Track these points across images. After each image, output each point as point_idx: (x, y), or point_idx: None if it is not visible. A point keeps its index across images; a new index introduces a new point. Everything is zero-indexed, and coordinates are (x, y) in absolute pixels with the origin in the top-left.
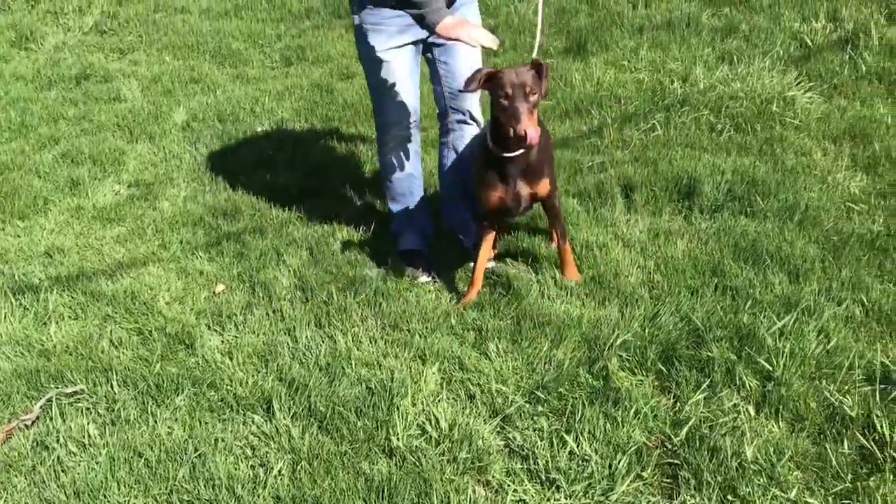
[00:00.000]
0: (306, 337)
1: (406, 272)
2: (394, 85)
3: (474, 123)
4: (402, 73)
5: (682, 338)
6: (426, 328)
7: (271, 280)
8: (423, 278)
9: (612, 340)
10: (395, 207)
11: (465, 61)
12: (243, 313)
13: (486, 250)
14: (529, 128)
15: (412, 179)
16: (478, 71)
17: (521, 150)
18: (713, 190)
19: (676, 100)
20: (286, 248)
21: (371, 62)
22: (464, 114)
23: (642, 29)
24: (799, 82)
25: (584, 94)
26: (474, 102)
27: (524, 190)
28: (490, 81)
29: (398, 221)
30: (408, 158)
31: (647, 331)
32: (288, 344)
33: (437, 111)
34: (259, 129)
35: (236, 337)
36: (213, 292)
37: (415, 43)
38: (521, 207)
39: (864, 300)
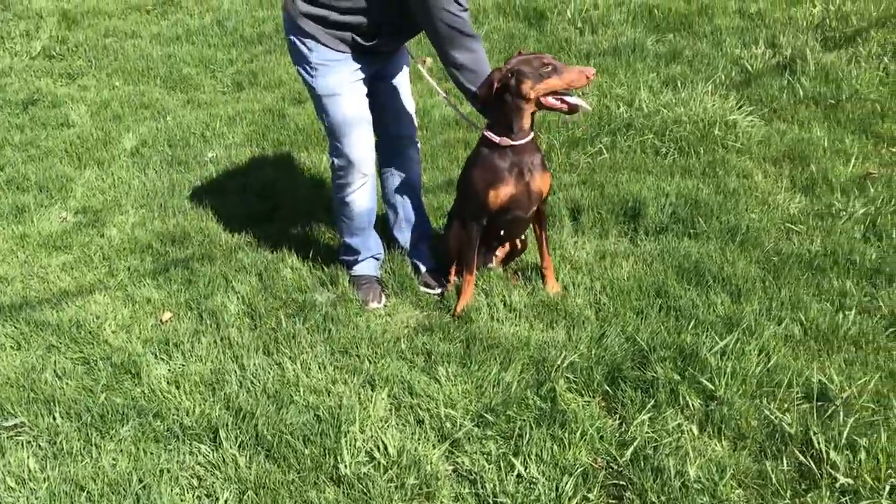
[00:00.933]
0: (254, 364)
1: (359, 298)
2: (358, 120)
3: (416, 144)
4: (364, 106)
5: (628, 358)
6: (376, 353)
7: (219, 307)
8: (375, 304)
9: (559, 362)
10: (352, 241)
11: (404, 87)
12: (191, 341)
13: (473, 254)
14: (587, 67)
15: (371, 213)
16: (495, 73)
17: (531, 137)
18: (658, 212)
19: (622, 124)
20: (235, 274)
21: (333, 101)
22: (408, 137)
23: (589, 55)
24: (740, 106)
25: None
26: (415, 125)
27: (534, 183)
28: (511, 77)
29: (352, 251)
30: (370, 194)
31: (593, 352)
32: (235, 372)
33: (379, 137)
34: (210, 155)
35: (183, 365)
36: (161, 320)
37: (369, 76)
38: (531, 203)
39: (803, 319)
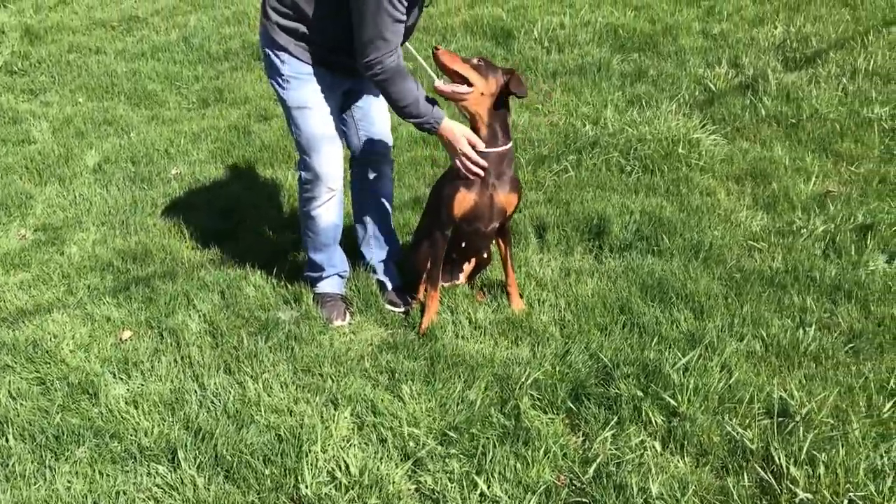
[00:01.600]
0: (215, 384)
1: (323, 315)
2: (328, 135)
3: (389, 163)
4: (335, 122)
5: (592, 375)
6: (339, 371)
7: (180, 325)
8: (339, 322)
9: (523, 379)
10: (317, 257)
11: (379, 102)
12: (150, 360)
13: (438, 270)
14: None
15: (337, 229)
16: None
17: (503, 147)
18: (622, 230)
19: (588, 142)
20: (197, 292)
21: (304, 114)
22: (382, 155)
23: (556, 73)
24: (703, 125)
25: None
26: (389, 144)
27: (498, 196)
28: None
29: (317, 267)
30: (336, 210)
31: (557, 369)
32: (195, 391)
33: (353, 155)
34: (173, 172)
35: (142, 385)
36: (120, 339)
37: (343, 91)
38: (493, 217)
39: (764, 335)
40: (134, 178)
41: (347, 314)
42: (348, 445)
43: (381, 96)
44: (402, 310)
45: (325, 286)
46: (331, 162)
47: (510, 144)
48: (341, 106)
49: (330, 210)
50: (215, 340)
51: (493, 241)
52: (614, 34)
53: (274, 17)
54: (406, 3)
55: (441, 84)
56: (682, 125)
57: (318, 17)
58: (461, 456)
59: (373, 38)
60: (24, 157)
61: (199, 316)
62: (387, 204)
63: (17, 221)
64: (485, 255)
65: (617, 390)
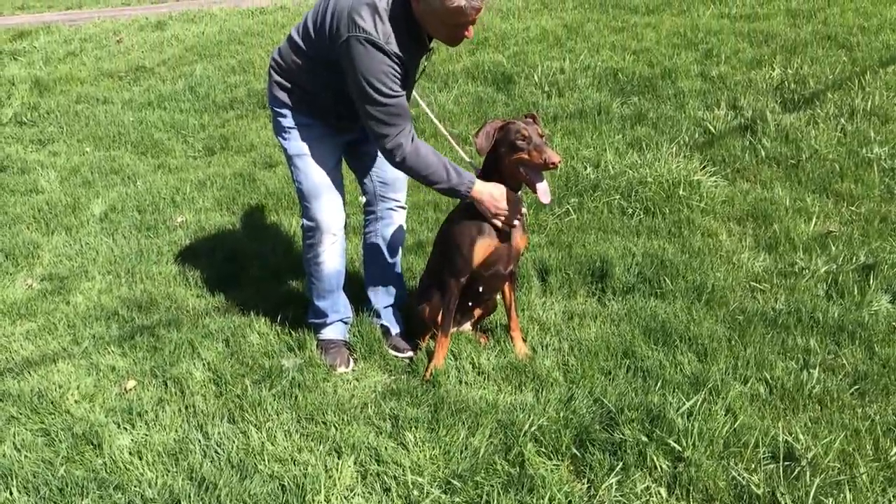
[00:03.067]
0: (219, 433)
1: (326, 362)
2: (327, 183)
3: (402, 210)
4: (336, 169)
5: (596, 421)
6: (342, 419)
7: (185, 374)
8: (343, 369)
9: (527, 426)
10: (321, 303)
11: None
12: (154, 410)
13: (451, 316)
14: (556, 155)
15: (340, 275)
16: (485, 125)
17: (517, 196)
18: (624, 272)
19: (589, 185)
20: (202, 340)
21: (305, 161)
22: (394, 202)
23: (556, 117)
24: (704, 167)
25: None
26: (403, 191)
27: (514, 239)
28: (501, 131)
29: (321, 313)
30: (339, 256)
31: (561, 415)
32: (199, 441)
33: (364, 201)
34: (179, 220)
35: (146, 435)
36: (124, 389)
37: (345, 140)
38: (510, 259)
39: (768, 378)
40: (140, 227)
41: (351, 361)
42: (352, 495)
43: None
44: (406, 355)
45: (328, 332)
46: (332, 209)
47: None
48: (349, 154)
49: (333, 256)
50: (219, 389)
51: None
52: (614, 78)
53: (275, 76)
54: (398, 78)
55: (544, 195)
56: (682, 167)
57: (313, 86)
58: None
59: (381, 129)
60: (32, 207)
61: (204, 364)
62: (396, 251)
63: (24, 271)
64: (488, 301)
65: (621, 435)
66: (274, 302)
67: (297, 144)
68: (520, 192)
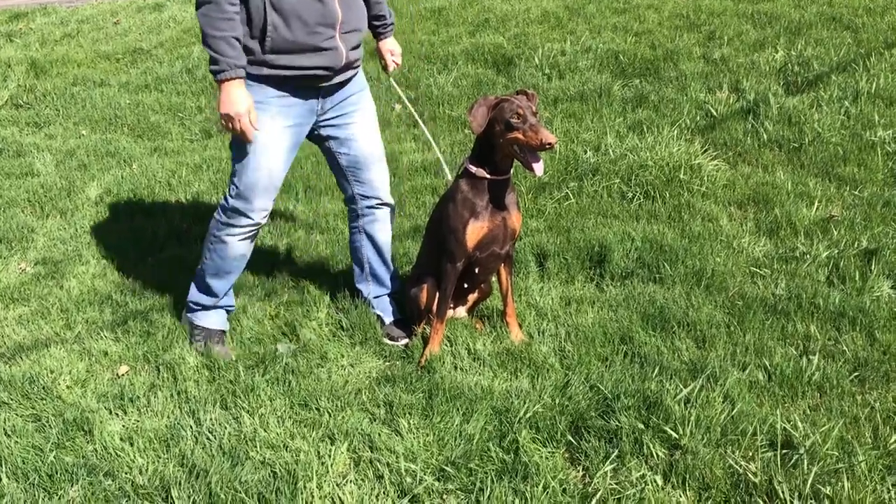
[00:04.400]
0: (211, 419)
1: (204, 349)
2: (269, 169)
3: (385, 207)
4: (280, 156)
5: (592, 407)
6: (336, 406)
7: (178, 360)
8: (225, 352)
9: (522, 412)
10: (213, 282)
11: (367, 146)
12: (146, 396)
13: (447, 302)
14: (552, 136)
15: (243, 261)
16: (479, 103)
17: (508, 175)
18: (623, 257)
19: (589, 169)
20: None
21: (247, 143)
22: (375, 199)
23: (557, 100)
24: (705, 150)
25: None
26: (384, 188)
27: (510, 219)
28: (495, 109)
29: (211, 293)
30: (251, 242)
31: (557, 401)
32: (191, 427)
33: (344, 197)
34: (174, 203)
35: (138, 421)
36: (117, 374)
37: (297, 126)
38: (506, 239)
39: (767, 364)
40: (135, 210)
41: (232, 354)
42: (345, 482)
43: (369, 137)
44: (401, 343)
45: (210, 320)
46: (267, 196)
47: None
48: (325, 152)
49: (246, 242)
50: (212, 374)
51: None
52: (615, 60)
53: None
54: None
55: (538, 169)
56: (683, 151)
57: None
58: (459, 492)
59: None
60: (27, 191)
61: (197, 350)
62: (384, 248)
63: (18, 255)
64: (483, 286)
65: (618, 423)
66: (268, 287)
67: None
68: (511, 172)
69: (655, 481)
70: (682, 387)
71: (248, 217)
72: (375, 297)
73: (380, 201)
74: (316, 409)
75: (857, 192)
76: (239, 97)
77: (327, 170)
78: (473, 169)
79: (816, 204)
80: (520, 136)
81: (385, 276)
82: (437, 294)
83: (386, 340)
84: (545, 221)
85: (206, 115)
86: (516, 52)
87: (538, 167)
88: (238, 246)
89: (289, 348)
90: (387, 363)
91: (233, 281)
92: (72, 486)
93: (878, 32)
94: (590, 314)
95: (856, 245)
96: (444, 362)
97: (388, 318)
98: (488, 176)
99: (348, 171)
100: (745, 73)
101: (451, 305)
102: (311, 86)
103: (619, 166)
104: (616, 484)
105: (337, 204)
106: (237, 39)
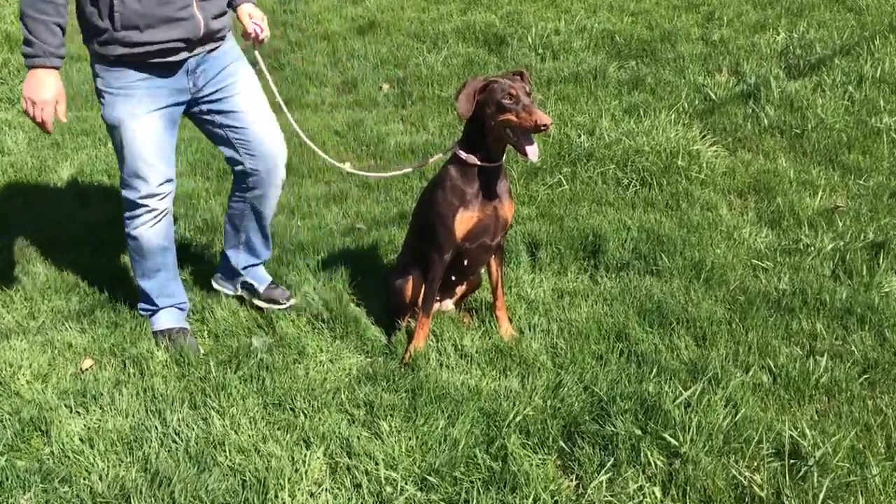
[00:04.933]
0: (178, 419)
1: (171, 347)
2: (150, 154)
3: (279, 181)
4: (154, 140)
5: (586, 411)
6: (313, 406)
7: (145, 354)
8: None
9: (511, 415)
10: (146, 285)
11: (255, 116)
12: (110, 393)
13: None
14: (546, 117)
15: (167, 253)
16: (466, 86)
17: (500, 161)
18: (618, 248)
19: (583, 154)
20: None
21: (122, 131)
22: (267, 173)
23: (550, 81)
24: (704, 136)
25: None
26: (278, 159)
27: (501, 208)
28: (483, 92)
29: (149, 298)
30: (164, 231)
31: (548, 403)
32: (157, 427)
33: (235, 170)
34: None
35: (100, 420)
36: (80, 368)
37: (173, 106)
38: (498, 230)
39: (772, 365)
40: (108, 193)
41: (199, 347)
42: (320, 491)
43: (259, 109)
44: (288, 305)
45: (163, 321)
46: (157, 180)
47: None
48: (206, 130)
49: (156, 231)
50: (181, 370)
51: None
52: (611, 41)
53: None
54: None
55: (532, 155)
56: (681, 136)
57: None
58: (442, 503)
59: None
60: None
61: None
62: (265, 219)
63: None
64: (472, 278)
65: (613, 428)
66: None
67: (112, 111)
68: (503, 159)
69: (654, 493)
70: (681, 389)
71: (143, 205)
72: (245, 268)
73: (273, 176)
74: (291, 409)
75: (862, 182)
76: (48, 84)
77: (311, 153)
78: (463, 155)
79: (820, 193)
80: (512, 117)
81: (261, 247)
82: (423, 286)
83: (268, 306)
84: (537, 208)
85: None
86: (509, 31)
87: (532, 151)
88: (149, 236)
89: (264, 342)
90: (368, 359)
91: (165, 280)
92: (23, 493)
93: (882, 14)
94: (583, 308)
95: (862, 237)
96: (429, 359)
97: (264, 284)
98: (479, 163)
99: (238, 145)
100: (745, 56)
101: (438, 298)
102: (174, 62)
103: (615, 151)
104: (611, 496)
105: (319, 187)
106: (60, 28)
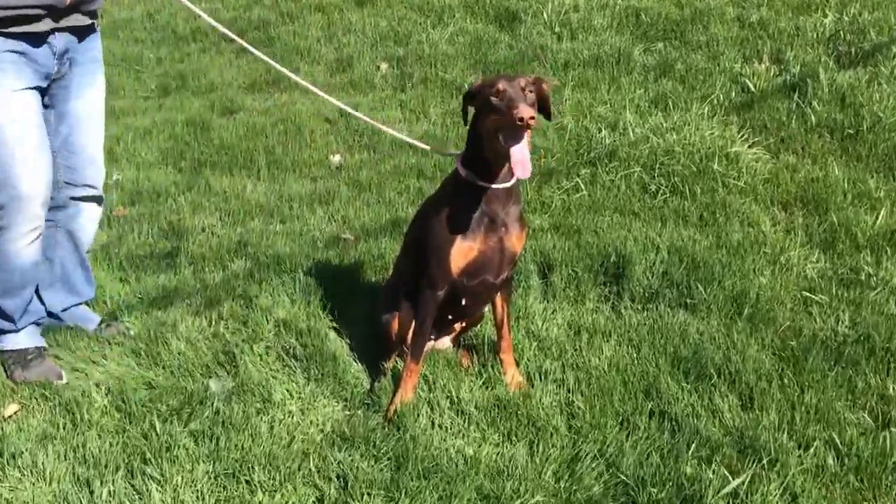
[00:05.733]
0: (108, 493)
1: (28, 378)
2: (30, 142)
3: (94, 202)
4: (35, 126)
5: (609, 496)
6: (274, 479)
7: (81, 397)
8: (61, 382)
9: (518, 502)
10: (8, 304)
11: (89, 128)
12: (34, 450)
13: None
14: (528, 110)
15: (37, 268)
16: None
17: (510, 183)
18: (646, 272)
19: (604, 152)
20: (110, 348)
21: None
22: (85, 188)
23: (567, 64)
24: (742, 135)
25: None
26: (97, 177)
27: (507, 239)
28: (475, 97)
29: (8, 317)
30: (40, 245)
31: (562, 484)
32: (81, 503)
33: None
34: (114, 177)
35: (15, 489)
36: (3, 416)
37: (38, 90)
38: (503, 266)
39: (837, 440)
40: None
41: (62, 371)
42: None
43: (96, 122)
44: (117, 329)
45: (22, 340)
46: (36, 178)
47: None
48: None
49: (35, 246)
50: (122, 418)
51: None
52: (636, 19)
53: None
54: None
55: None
56: (717, 135)
57: None
58: None
59: None
60: None
61: (108, 381)
62: (83, 246)
63: None
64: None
65: None
66: (210, 294)
67: None
68: (515, 179)
69: None
70: (727, 475)
71: (23, 210)
72: (65, 310)
73: (90, 193)
74: (247, 481)
75: None
76: None
77: (296, 142)
78: (464, 172)
79: (882, 210)
80: (497, 117)
81: (80, 282)
82: (412, 325)
83: (106, 333)
84: (551, 218)
85: (164, 68)
86: (522, 6)
87: (516, 156)
88: (24, 252)
89: (223, 387)
90: (346, 412)
91: (28, 297)
92: None
93: None
94: (605, 351)
95: None
96: (418, 415)
97: (92, 326)
98: (478, 182)
99: (58, 153)
100: (788, 41)
101: (433, 336)
102: (39, 33)
103: (641, 151)
104: None
105: (306, 184)
106: None
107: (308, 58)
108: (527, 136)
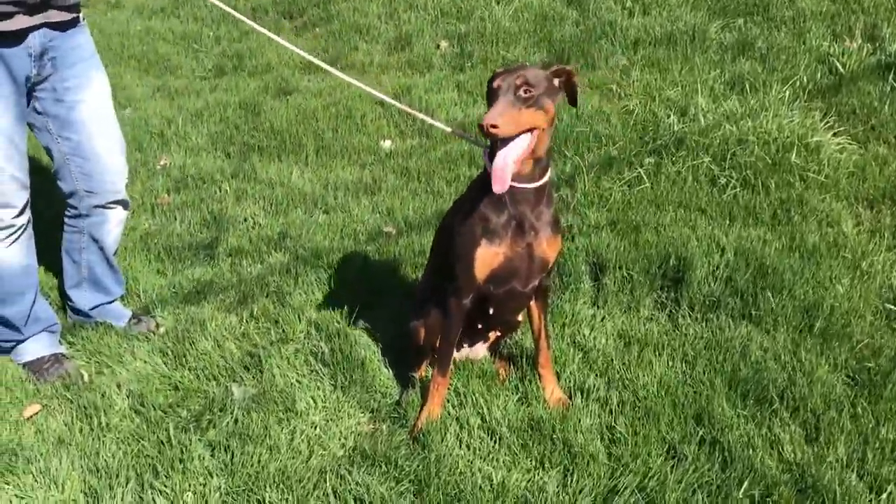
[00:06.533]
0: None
1: (50, 379)
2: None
3: (119, 206)
4: (11, 129)
5: None
6: (286, 499)
7: (102, 400)
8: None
9: None
10: (7, 312)
11: (99, 131)
12: (47, 455)
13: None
14: (492, 115)
15: (28, 274)
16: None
17: (539, 183)
18: (708, 277)
19: (671, 140)
20: (137, 345)
21: None
22: (105, 195)
23: (637, 43)
24: (826, 122)
25: (556, 128)
26: (119, 182)
27: (539, 245)
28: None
29: (11, 326)
30: (25, 248)
31: None
32: None
33: (64, 191)
34: (161, 163)
35: (25, 497)
36: (23, 416)
37: (15, 95)
38: (532, 273)
39: None
40: None
41: (84, 373)
42: None
43: (104, 123)
44: (147, 328)
45: (33, 349)
46: (14, 184)
47: (550, 173)
48: (43, 133)
49: (16, 249)
50: (140, 422)
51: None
52: None
53: None
54: None
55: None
56: (797, 123)
57: None
58: None
59: None
60: None
61: (132, 379)
62: (113, 247)
63: None
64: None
65: None
66: (243, 290)
67: None
68: (546, 178)
69: None
70: None
71: (3, 212)
72: (94, 308)
73: (114, 199)
74: (258, 501)
75: None
76: None
77: (346, 126)
78: (490, 168)
79: None
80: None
81: (110, 282)
82: (440, 334)
83: (135, 329)
84: (608, 212)
85: (223, 47)
86: None
87: (495, 162)
88: (8, 257)
89: (245, 392)
90: (372, 423)
91: (31, 302)
92: None
93: None
94: (656, 367)
95: None
96: (445, 433)
97: (122, 322)
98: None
99: (71, 161)
100: (885, 15)
101: (467, 343)
102: (13, 32)
103: (712, 139)
104: None
105: (353, 171)
106: None
107: (367, 35)
108: (524, 141)
